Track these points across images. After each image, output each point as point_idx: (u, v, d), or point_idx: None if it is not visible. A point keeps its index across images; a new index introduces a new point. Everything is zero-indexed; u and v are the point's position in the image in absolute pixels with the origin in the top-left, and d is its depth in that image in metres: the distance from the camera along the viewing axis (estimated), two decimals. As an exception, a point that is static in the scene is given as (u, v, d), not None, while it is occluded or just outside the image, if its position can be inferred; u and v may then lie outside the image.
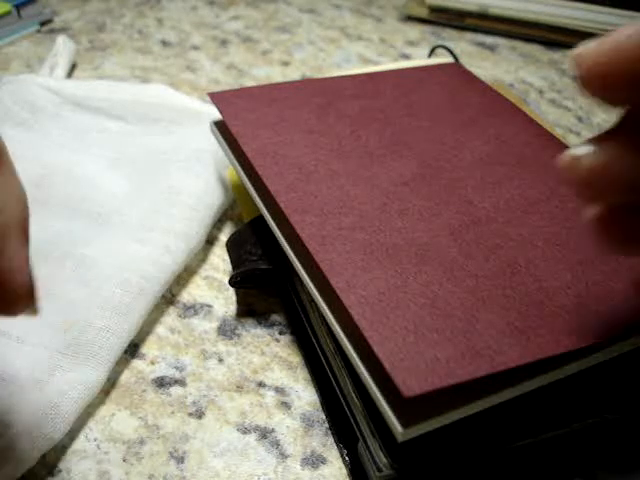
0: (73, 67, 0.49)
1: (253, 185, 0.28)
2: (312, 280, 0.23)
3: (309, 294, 0.26)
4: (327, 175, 0.26)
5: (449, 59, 0.43)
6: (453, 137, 0.29)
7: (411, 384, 0.17)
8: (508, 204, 0.25)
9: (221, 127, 0.31)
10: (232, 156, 0.29)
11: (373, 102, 0.31)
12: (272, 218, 0.26)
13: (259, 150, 0.27)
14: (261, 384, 0.26)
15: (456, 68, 0.36)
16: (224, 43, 0.54)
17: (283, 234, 0.25)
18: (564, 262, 0.22)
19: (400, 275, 0.21)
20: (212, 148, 0.35)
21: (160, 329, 0.29)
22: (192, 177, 0.33)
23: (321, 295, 0.22)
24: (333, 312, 0.21)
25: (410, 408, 0.18)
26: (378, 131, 0.29)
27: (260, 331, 0.29)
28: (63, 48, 0.46)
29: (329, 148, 0.28)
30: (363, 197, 0.25)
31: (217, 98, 0.31)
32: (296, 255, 0.24)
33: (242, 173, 0.28)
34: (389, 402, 0.19)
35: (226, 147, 0.30)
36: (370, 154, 0.27)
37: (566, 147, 0.29)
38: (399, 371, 0.18)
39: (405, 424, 0.18)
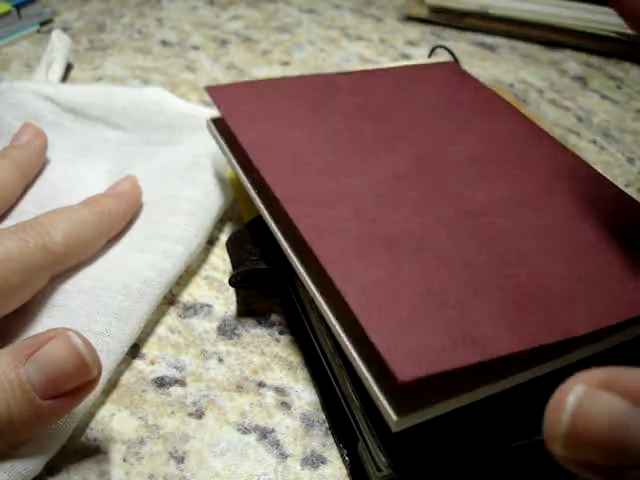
0: (74, 67, 0.49)
1: (249, 180, 0.28)
2: (310, 277, 0.23)
3: (308, 293, 0.26)
4: (322, 167, 0.26)
5: (449, 59, 0.43)
6: (448, 133, 0.29)
7: (405, 370, 0.18)
8: (502, 198, 0.25)
9: (218, 124, 0.31)
10: (228, 152, 0.30)
11: (369, 98, 0.32)
12: (269, 214, 0.26)
13: (255, 141, 0.27)
14: (261, 384, 0.26)
15: (452, 67, 0.36)
16: (224, 43, 0.54)
17: (280, 230, 0.25)
18: (557, 254, 0.22)
19: (395, 264, 0.21)
20: (212, 152, 0.35)
21: (160, 329, 0.29)
22: (191, 184, 0.33)
23: (319, 292, 0.22)
24: (331, 309, 0.22)
25: (404, 398, 0.19)
26: (373, 126, 0.29)
27: (260, 331, 0.29)
28: (58, 43, 0.46)
29: (325, 141, 0.28)
30: (358, 189, 0.25)
31: (214, 91, 0.31)
32: (293, 251, 0.24)
33: (238, 168, 0.29)
34: (383, 391, 0.19)
35: (223, 143, 0.30)
36: (365, 148, 0.28)
37: (560, 145, 0.29)
38: (394, 357, 0.18)
39: (399, 413, 0.18)
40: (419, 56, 0.52)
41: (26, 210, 0.32)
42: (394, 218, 0.24)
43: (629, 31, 0.50)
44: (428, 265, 0.21)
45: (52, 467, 0.23)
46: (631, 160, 0.41)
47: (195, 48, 0.53)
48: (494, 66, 0.51)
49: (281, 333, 0.29)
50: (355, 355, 0.20)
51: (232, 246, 0.29)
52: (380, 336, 0.19)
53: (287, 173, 0.25)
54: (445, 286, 0.21)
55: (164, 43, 0.54)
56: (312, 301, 0.26)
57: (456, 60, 0.43)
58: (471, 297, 0.20)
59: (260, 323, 0.29)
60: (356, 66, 0.51)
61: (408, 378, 0.17)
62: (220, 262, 0.33)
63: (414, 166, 0.27)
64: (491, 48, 0.54)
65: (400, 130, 0.29)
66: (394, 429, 0.18)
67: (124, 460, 0.24)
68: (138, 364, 0.27)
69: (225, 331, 0.29)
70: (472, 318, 0.20)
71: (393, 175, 0.26)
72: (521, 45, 0.54)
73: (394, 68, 0.35)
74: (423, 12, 0.58)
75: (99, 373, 0.22)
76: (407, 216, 0.24)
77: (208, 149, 0.35)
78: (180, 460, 0.24)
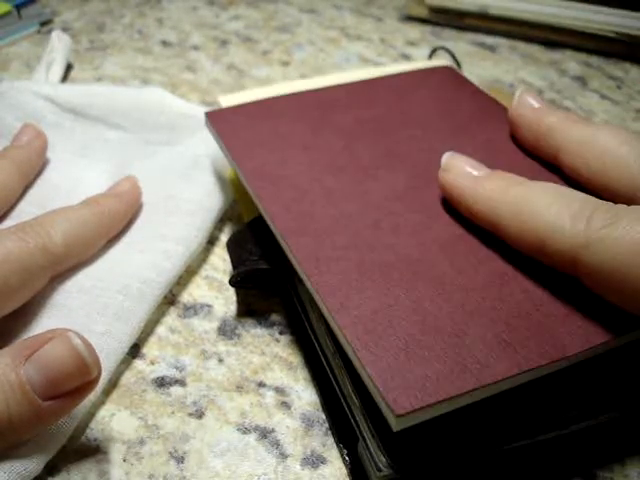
0: (74, 67, 0.49)
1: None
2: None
3: (309, 293, 0.26)
4: (322, 193, 0.26)
5: (449, 61, 0.43)
6: (445, 145, 0.29)
7: (402, 402, 0.18)
8: None
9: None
10: (225, 147, 0.30)
11: (366, 112, 0.32)
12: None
13: (255, 171, 0.28)
14: (261, 384, 0.26)
15: (448, 71, 0.36)
16: (224, 43, 0.54)
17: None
18: (552, 271, 0.22)
19: (392, 293, 0.22)
20: (212, 152, 0.35)
21: (160, 329, 0.29)
22: (191, 184, 0.33)
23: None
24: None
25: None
26: (371, 143, 0.29)
27: (260, 331, 0.29)
28: (58, 43, 0.46)
29: (323, 164, 0.28)
30: (357, 214, 0.25)
31: (213, 117, 0.31)
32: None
33: (236, 164, 0.29)
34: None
35: (221, 141, 0.30)
36: (363, 169, 0.28)
37: None
38: (390, 390, 0.19)
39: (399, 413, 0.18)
40: (419, 56, 0.52)
41: (26, 210, 0.32)
42: (392, 243, 0.24)
43: (629, 31, 0.50)
44: (424, 292, 0.22)
45: (52, 467, 0.23)
46: (631, 160, 0.41)
47: (195, 48, 0.53)
48: (494, 66, 0.51)
49: (281, 333, 0.29)
50: (354, 354, 0.20)
51: (232, 246, 0.29)
52: (376, 369, 0.19)
53: (287, 203, 0.26)
54: (441, 313, 0.21)
55: (164, 43, 0.54)
56: (312, 301, 0.26)
57: (456, 62, 0.43)
58: (466, 322, 0.21)
59: (260, 323, 0.29)
60: (356, 66, 0.51)
61: (404, 411, 0.18)
62: (220, 262, 0.33)
63: (411, 185, 0.27)
64: (491, 48, 0.54)
65: (398, 145, 0.29)
66: (395, 428, 0.19)
67: (124, 460, 0.24)
68: (138, 364, 0.27)
69: (225, 331, 0.29)
70: (467, 344, 0.20)
71: (391, 196, 0.26)
72: (521, 45, 0.55)
73: (391, 76, 0.35)
74: (423, 12, 0.58)
75: (99, 373, 0.22)
76: (405, 240, 0.24)
77: (208, 149, 0.35)
78: (180, 460, 0.24)
